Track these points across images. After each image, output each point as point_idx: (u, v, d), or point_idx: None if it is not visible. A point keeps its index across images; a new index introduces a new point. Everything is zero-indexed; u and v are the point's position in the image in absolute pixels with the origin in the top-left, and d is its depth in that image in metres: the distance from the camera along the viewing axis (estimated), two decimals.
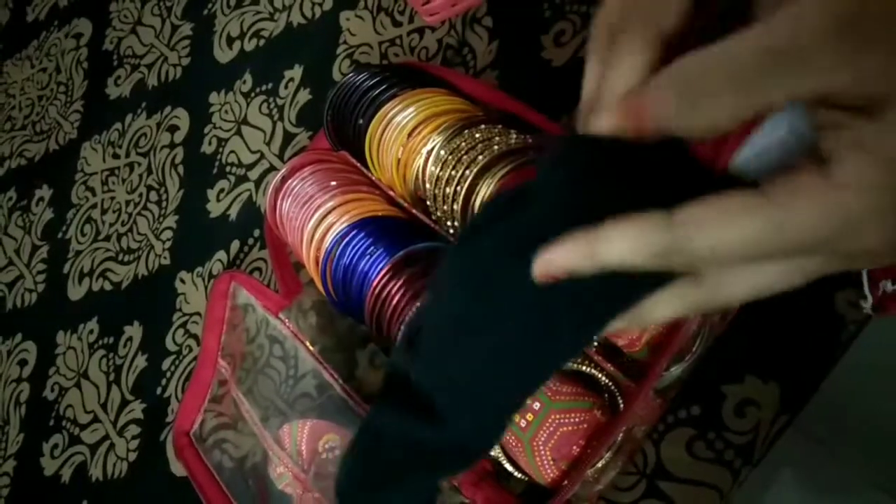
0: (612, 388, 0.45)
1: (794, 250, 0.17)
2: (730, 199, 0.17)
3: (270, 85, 0.83)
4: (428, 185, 0.53)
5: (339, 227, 0.54)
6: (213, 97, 0.88)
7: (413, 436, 0.27)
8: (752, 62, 0.16)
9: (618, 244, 0.18)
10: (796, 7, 0.15)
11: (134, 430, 0.77)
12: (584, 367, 0.45)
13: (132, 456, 0.76)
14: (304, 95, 0.79)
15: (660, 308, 0.20)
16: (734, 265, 0.19)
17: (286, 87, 0.81)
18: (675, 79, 0.17)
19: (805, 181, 0.17)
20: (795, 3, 0.15)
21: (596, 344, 0.46)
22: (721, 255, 0.17)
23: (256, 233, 0.76)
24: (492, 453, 0.48)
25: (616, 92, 0.19)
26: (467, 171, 0.50)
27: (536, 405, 0.45)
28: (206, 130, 0.87)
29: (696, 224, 0.17)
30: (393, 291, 0.51)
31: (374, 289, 0.51)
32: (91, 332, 0.86)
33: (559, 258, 0.19)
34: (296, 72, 0.81)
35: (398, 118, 0.54)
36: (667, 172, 0.19)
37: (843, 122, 0.16)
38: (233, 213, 0.80)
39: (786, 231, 0.16)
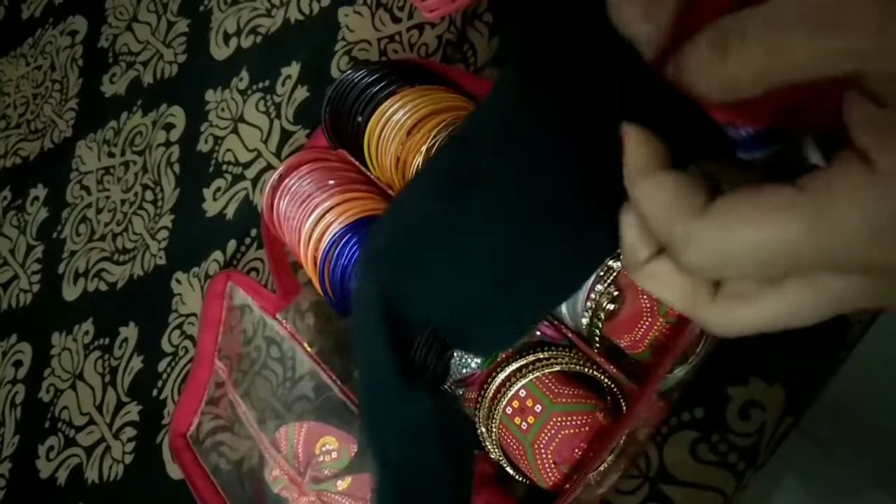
0: (615, 390, 0.44)
1: (829, 260, 0.15)
2: (764, 194, 0.15)
3: (267, 82, 0.82)
4: None
5: (337, 227, 0.54)
6: (210, 95, 0.87)
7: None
8: (789, 17, 0.14)
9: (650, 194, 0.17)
10: None
11: (130, 432, 0.76)
12: (586, 370, 0.45)
13: (128, 458, 0.75)
14: (302, 93, 0.78)
15: (670, 300, 0.19)
16: (752, 274, 0.16)
17: (283, 84, 0.80)
18: (711, 31, 0.16)
19: (844, 173, 0.14)
20: None
21: (598, 345, 0.46)
22: (744, 256, 0.15)
23: (253, 232, 0.75)
24: (492, 456, 0.47)
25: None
26: None
27: (538, 407, 0.44)
28: (202, 128, 0.87)
29: (724, 217, 0.15)
30: None
31: None
32: (86, 333, 0.86)
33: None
34: (293, 69, 0.80)
35: (397, 116, 0.54)
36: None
37: (880, 115, 0.14)
38: (229, 212, 0.79)
39: (821, 232, 0.14)
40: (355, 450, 0.52)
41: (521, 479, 0.47)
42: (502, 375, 0.45)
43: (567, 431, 0.43)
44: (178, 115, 0.90)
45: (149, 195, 0.88)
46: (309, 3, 0.82)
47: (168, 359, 0.76)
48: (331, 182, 0.57)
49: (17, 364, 0.91)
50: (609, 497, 0.47)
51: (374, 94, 0.56)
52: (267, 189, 0.61)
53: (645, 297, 0.44)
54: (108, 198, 0.93)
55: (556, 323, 0.46)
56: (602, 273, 0.43)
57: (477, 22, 0.68)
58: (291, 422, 0.54)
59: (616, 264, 0.43)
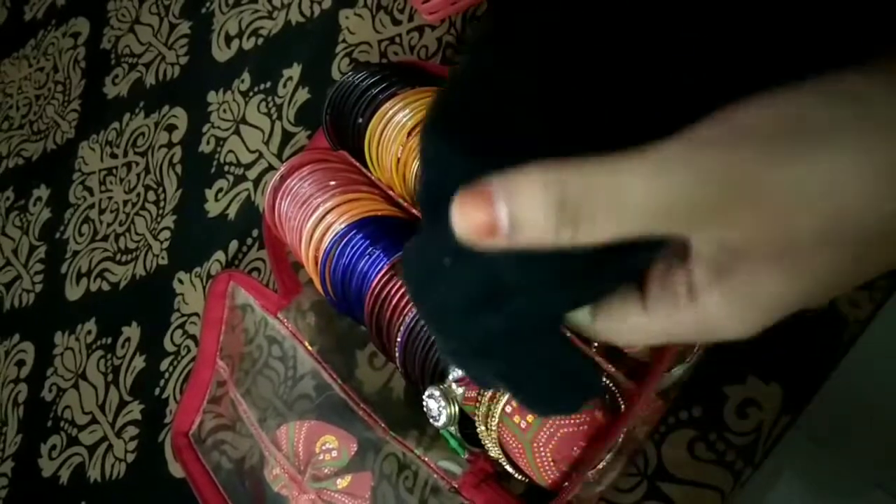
0: (614, 389, 0.45)
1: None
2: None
3: (269, 84, 0.83)
4: None
5: (338, 227, 0.54)
6: (212, 96, 0.88)
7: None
8: None
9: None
10: None
11: (132, 431, 0.76)
12: None
13: (130, 457, 0.75)
14: (303, 94, 0.79)
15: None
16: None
17: (285, 85, 0.81)
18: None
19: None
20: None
21: (596, 345, 0.46)
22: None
23: (255, 233, 0.76)
24: (492, 454, 0.47)
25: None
26: None
27: None
28: (204, 130, 0.87)
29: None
30: (392, 291, 0.50)
31: (374, 289, 0.51)
32: (89, 332, 0.86)
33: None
34: (294, 70, 0.81)
35: (398, 117, 0.54)
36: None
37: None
38: (231, 212, 0.79)
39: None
40: (355, 448, 0.53)
41: (520, 477, 0.47)
42: None
43: (566, 430, 0.44)
44: (180, 117, 0.91)
45: (151, 196, 0.89)
46: (310, 5, 0.83)
47: (170, 358, 0.77)
48: (332, 183, 0.57)
49: (20, 363, 0.92)
50: (607, 495, 0.48)
51: (375, 96, 0.57)
52: (268, 190, 0.61)
53: None
54: (110, 198, 0.93)
55: None
56: None
57: (477, 24, 0.69)
58: (292, 420, 0.55)
59: None
